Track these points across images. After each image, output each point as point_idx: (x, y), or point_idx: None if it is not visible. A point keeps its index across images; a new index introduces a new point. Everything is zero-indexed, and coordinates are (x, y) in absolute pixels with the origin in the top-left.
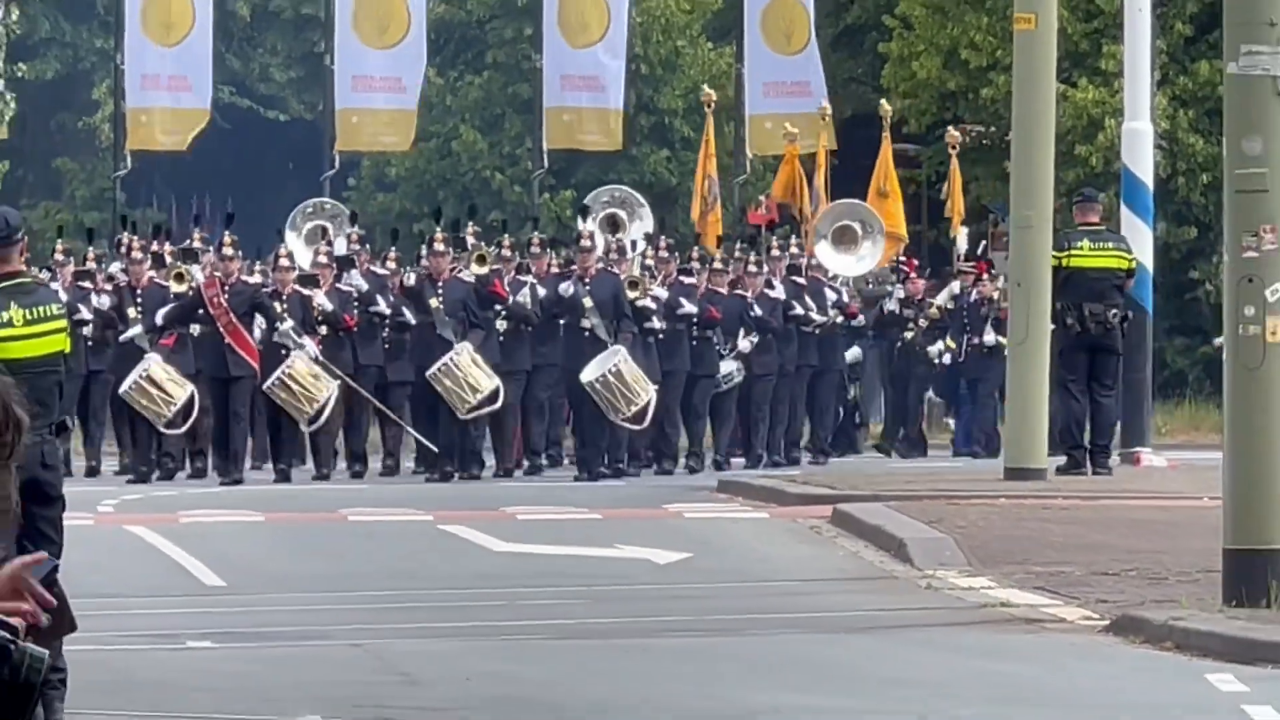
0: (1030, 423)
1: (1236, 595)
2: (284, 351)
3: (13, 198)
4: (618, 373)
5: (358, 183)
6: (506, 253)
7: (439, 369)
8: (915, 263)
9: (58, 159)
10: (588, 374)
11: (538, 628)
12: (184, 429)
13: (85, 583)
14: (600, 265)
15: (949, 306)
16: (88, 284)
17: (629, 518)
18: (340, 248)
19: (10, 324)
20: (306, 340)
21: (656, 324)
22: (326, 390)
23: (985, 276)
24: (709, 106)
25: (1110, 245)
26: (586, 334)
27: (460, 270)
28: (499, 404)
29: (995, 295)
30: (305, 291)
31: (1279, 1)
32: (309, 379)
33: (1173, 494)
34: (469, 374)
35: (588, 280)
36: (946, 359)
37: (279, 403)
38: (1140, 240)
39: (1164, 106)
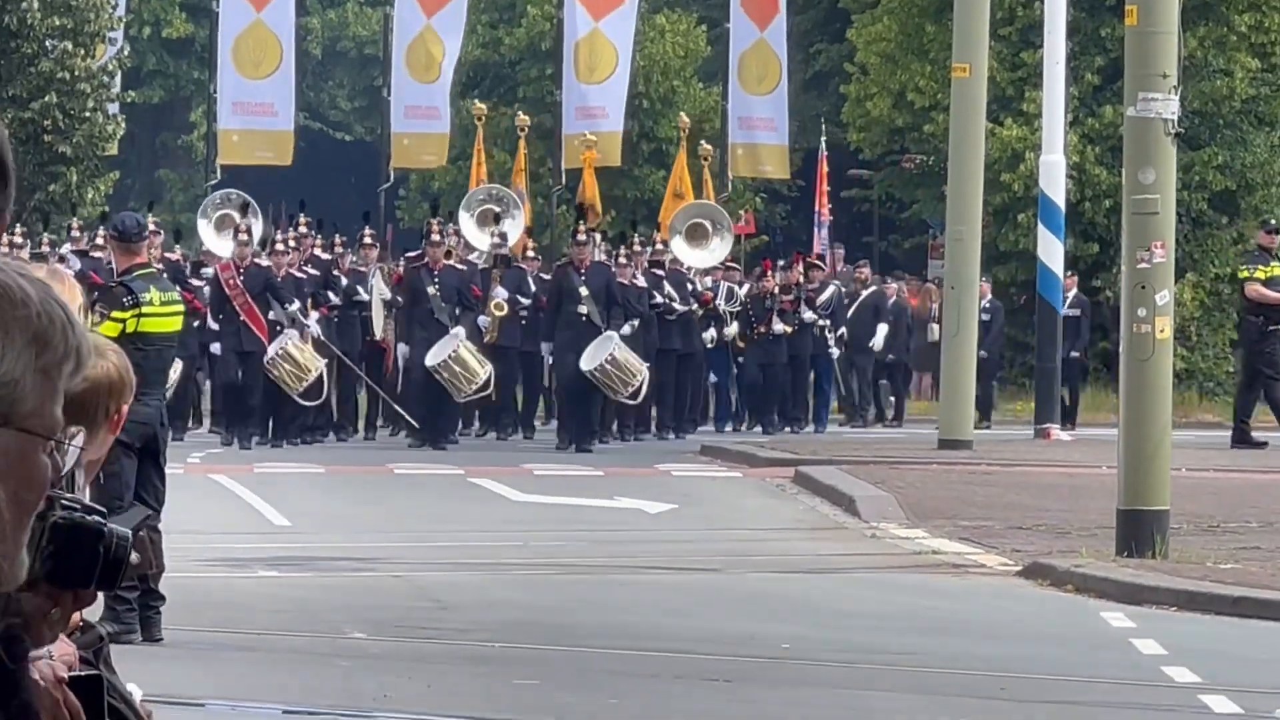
0: (960, 402)
1: (1127, 547)
2: (279, 329)
3: (121, 202)
4: (613, 360)
5: (407, 194)
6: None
7: (441, 362)
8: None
9: (160, 170)
10: (586, 363)
11: (549, 564)
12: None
13: (176, 521)
14: (596, 258)
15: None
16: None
17: (626, 475)
18: (257, 231)
19: (151, 304)
20: (310, 320)
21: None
22: (317, 368)
23: (769, 273)
24: (683, 132)
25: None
26: (583, 319)
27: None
28: (491, 390)
29: (775, 290)
30: (299, 275)
31: (1170, 57)
32: (301, 359)
33: (1076, 463)
34: (467, 366)
35: (583, 271)
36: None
37: (272, 378)
38: (1053, 253)
39: (1075, 143)
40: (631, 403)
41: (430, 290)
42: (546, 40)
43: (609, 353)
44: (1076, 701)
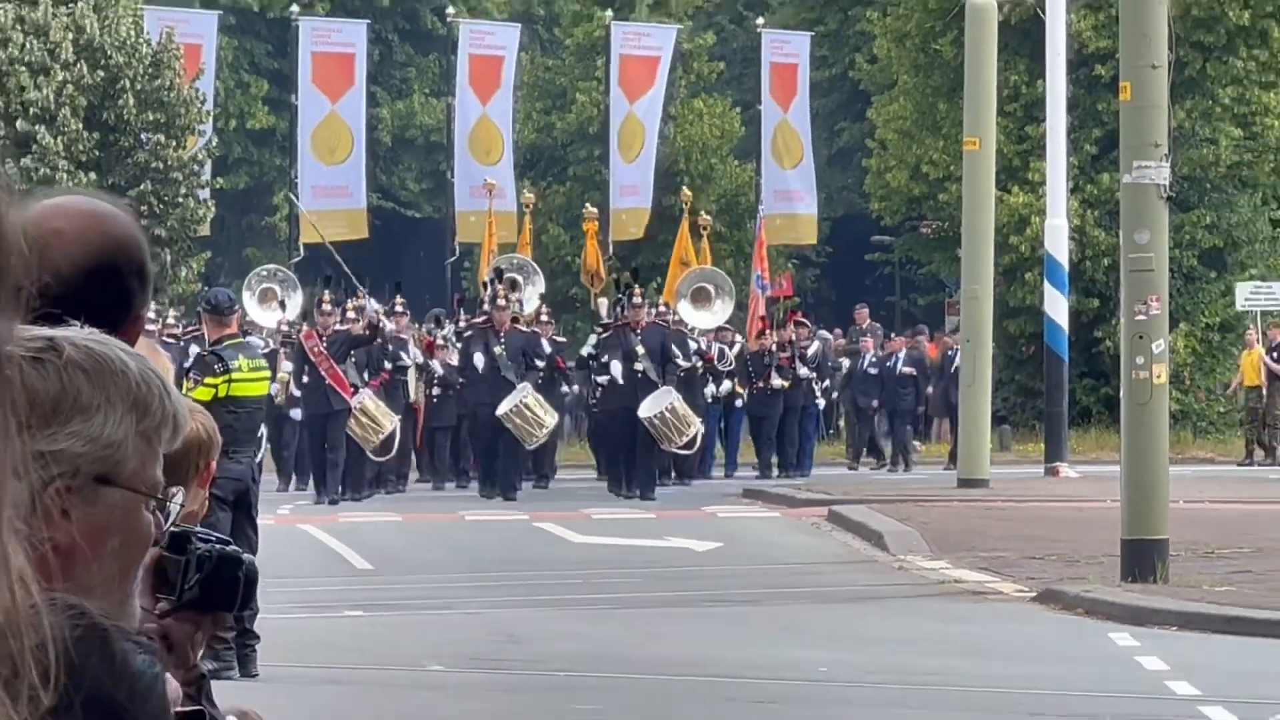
0: (977, 445)
1: (1132, 573)
2: (353, 389)
3: (213, 278)
4: (672, 409)
5: (472, 265)
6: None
7: (511, 410)
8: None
9: (247, 249)
10: (644, 410)
11: (607, 600)
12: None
13: (268, 568)
14: (650, 319)
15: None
16: None
17: (676, 517)
18: (294, 308)
19: (240, 370)
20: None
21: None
22: (390, 424)
23: (767, 331)
24: (685, 204)
25: None
26: (640, 376)
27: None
28: (556, 433)
29: (774, 348)
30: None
31: (1161, 128)
32: (376, 414)
33: (1083, 498)
34: (536, 413)
35: (639, 331)
36: (736, 398)
37: (350, 435)
38: (1058, 308)
39: (1076, 208)
40: (686, 452)
41: (496, 350)
42: (594, 124)
43: (668, 403)
44: (1088, 714)
